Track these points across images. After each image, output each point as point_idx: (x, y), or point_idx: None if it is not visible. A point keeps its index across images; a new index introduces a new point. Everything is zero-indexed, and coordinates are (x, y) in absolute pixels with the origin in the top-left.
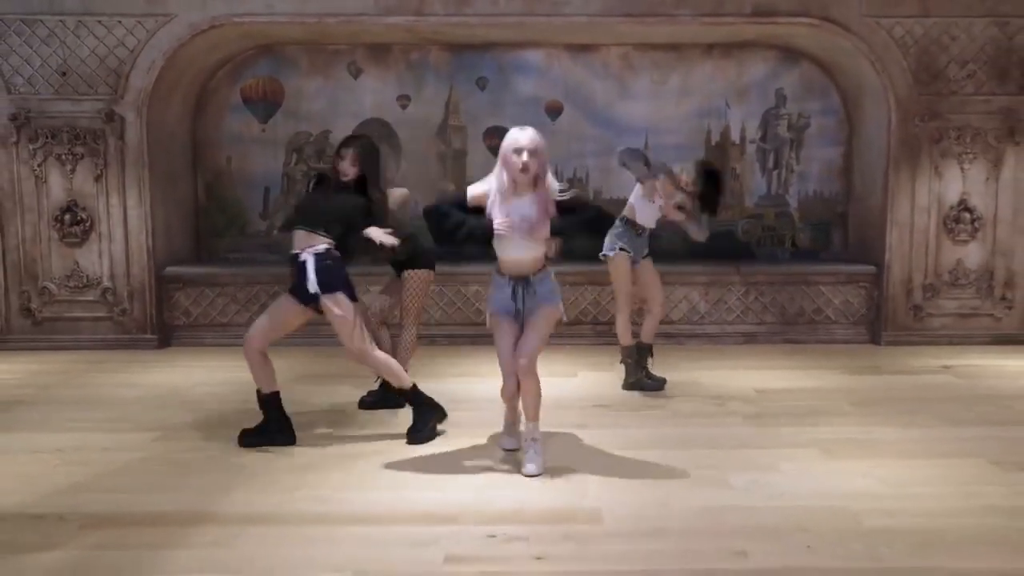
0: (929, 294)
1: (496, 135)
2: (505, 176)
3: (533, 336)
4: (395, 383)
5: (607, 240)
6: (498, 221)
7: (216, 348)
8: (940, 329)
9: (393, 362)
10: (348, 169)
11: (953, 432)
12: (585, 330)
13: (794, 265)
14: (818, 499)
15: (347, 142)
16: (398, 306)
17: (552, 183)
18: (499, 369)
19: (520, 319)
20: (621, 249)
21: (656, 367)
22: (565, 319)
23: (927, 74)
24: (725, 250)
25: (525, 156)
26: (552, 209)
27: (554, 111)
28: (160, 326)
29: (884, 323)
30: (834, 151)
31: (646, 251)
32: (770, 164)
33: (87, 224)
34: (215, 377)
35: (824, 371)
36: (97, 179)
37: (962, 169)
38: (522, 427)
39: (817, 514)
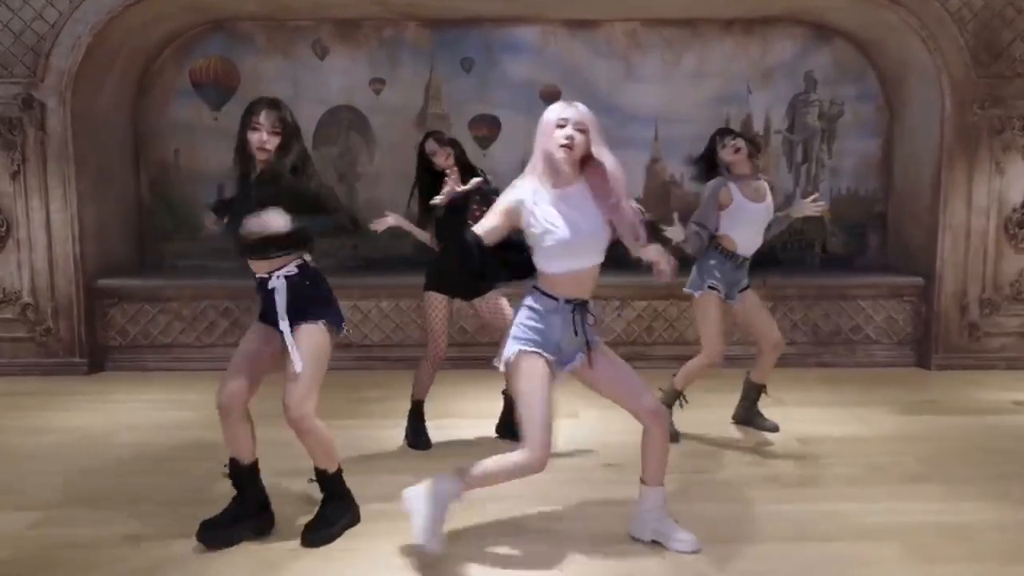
0: (987, 310)
1: (484, 124)
2: (544, 162)
3: (635, 376)
4: (325, 462)
5: (693, 273)
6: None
7: (157, 374)
8: (999, 351)
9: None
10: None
11: None
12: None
13: (828, 276)
14: None
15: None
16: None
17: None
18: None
19: (571, 362)
20: (711, 287)
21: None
22: None
23: (988, 53)
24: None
25: (570, 129)
26: (625, 204)
27: (550, 97)
28: (91, 348)
29: (934, 344)
30: (871, 143)
31: (745, 282)
32: (798, 158)
33: (2, 229)
34: (147, 417)
35: (874, 408)
36: (14, 176)
37: None
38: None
39: None
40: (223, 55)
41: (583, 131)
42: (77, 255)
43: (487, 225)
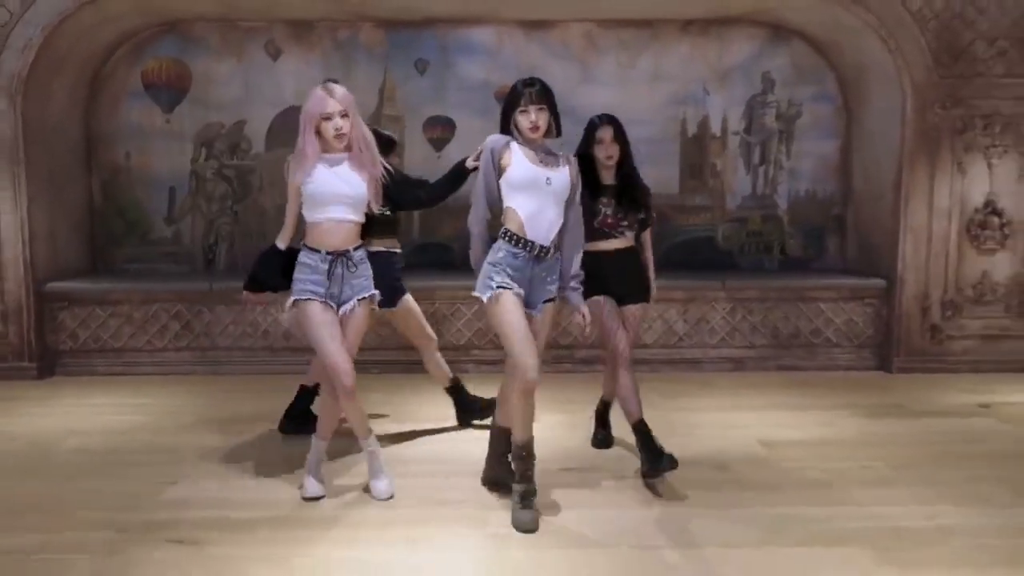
0: (949, 312)
1: (438, 126)
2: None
3: (353, 338)
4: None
5: (481, 274)
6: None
7: (106, 379)
8: (962, 354)
9: None
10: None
11: None
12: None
13: (788, 278)
14: None
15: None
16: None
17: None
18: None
19: (335, 303)
20: (500, 287)
21: None
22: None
23: (949, 54)
24: (703, 259)
25: (338, 120)
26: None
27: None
28: (41, 352)
29: (896, 347)
30: (830, 144)
31: (551, 291)
32: (755, 159)
33: None
34: (92, 422)
35: (838, 412)
36: None
37: (990, 165)
38: None
39: None
40: (175, 57)
41: (345, 115)
42: (27, 258)
43: (292, 212)
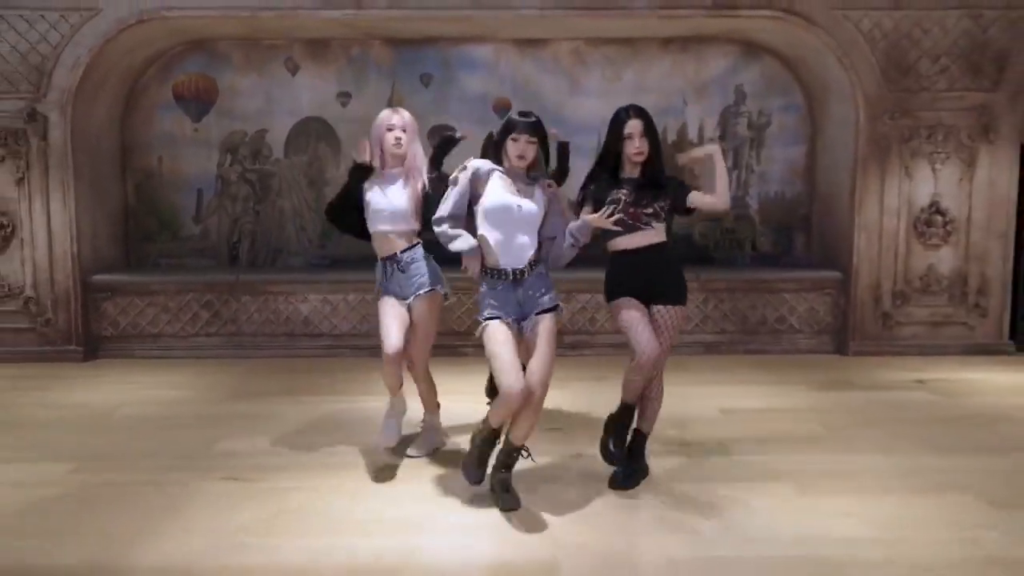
0: (899, 301)
1: (441, 133)
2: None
3: (418, 332)
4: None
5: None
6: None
7: (145, 361)
8: (910, 339)
9: None
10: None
11: (938, 461)
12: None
13: (755, 271)
14: (797, 547)
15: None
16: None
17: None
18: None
19: (402, 299)
20: (488, 318)
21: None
22: (448, 296)
23: (897, 70)
24: (681, 255)
25: (398, 132)
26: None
27: (502, 109)
28: (86, 337)
29: (851, 332)
30: (796, 151)
31: (546, 301)
32: (729, 164)
33: (8, 230)
34: (140, 396)
35: (792, 386)
36: (19, 182)
37: (934, 169)
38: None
39: (798, 568)
40: (203, 72)
41: (405, 131)
42: (74, 253)
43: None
